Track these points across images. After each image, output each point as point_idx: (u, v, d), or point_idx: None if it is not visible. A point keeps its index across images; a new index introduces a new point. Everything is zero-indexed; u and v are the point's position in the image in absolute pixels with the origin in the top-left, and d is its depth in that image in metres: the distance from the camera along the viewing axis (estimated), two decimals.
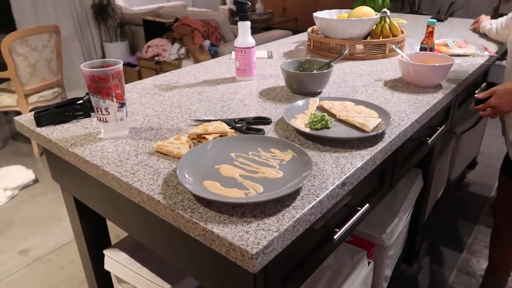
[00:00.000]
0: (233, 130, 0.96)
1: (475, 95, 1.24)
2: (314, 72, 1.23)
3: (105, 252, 1.15)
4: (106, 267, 1.16)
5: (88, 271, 1.26)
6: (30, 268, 1.93)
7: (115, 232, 1.72)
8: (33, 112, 1.03)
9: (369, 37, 1.65)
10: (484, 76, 1.75)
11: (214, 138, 0.90)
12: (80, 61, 4.10)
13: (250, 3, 1.30)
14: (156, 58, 3.49)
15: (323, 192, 0.73)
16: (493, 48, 1.71)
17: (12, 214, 2.32)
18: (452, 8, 4.58)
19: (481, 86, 1.71)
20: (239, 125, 0.99)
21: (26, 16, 3.77)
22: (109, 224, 1.18)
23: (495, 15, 4.53)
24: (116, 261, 1.12)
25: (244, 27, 1.30)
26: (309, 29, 1.79)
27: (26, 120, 1.06)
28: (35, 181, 2.63)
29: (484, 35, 1.94)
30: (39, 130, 1.00)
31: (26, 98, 2.82)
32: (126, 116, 0.96)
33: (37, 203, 2.42)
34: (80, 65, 0.91)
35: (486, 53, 1.61)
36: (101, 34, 4.27)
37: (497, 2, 4.55)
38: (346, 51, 1.37)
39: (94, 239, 1.20)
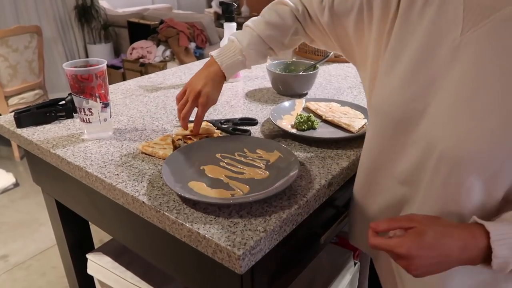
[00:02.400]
0: (219, 131, 0.96)
1: (372, 226, 0.60)
2: (300, 73, 1.23)
3: (88, 256, 1.12)
4: (89, 271, 1.14)
5: (70, 276, 1.23)
6: (10, 274, 1.87)
7: (99, 236, 1.68)
8: (13, 113, 1.00)
9: None
10: None
11: (200, 139, 0.89)
12: (62, 63, 4.00)
13: (236, 5, 1.30)
14: (141, 60, 3.46)
15: (310, 192, 0.73)
16: None
17: None
18: None
19: None
20: (225, 126, 0.98)
21: (6, 17, 3.69)
22: (93, 228, 1.15)
23: None
24: (99, 265, 1.09)
25: (230, 28, 1.29)
26: None
27: (5, 121, 1.03)
28: (16, 185, 2.57)
29: None
30: (19, 131, 0.98)
31: (7, 100, 2.75)
32: (110, 117, 0.95)
33: (17, 207, 2.36)
34: (62, 65, 0.89)
35: None
36: (84, 36, 4.21)
37: None
38: (332, 53, 1.37)
39: (77, 243, 1.17)
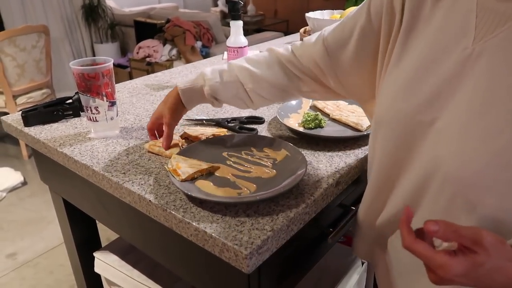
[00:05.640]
0: (226, 130, 0.95)
1: (430, 228, 0.46)
2: None
3: (95, 254, 1.12)
4: (96, 269, 1.14)
5: (77, 275, 1.24)
6: (18, 272, 1.89)
7: (106, 234, 1.69)
8: (21, 112, 1.01)
9: None
10: None
11: (206, 138, 0.89)
12: (69, 62, 4.02)
13: (242, 3, 1.29)
14: (147, 59, 3.47)
15: (317, 191, 0.72)
16: None
17: None
18: None
19: None
20: (232, 124, 0.98)
21: (14, 16, 3.72)
22: (100, 226, 1.16)
23: None
24: (106, 264, 1.09)
25: (236, 26, 1.29)
26: (301, 30, 1.79)
27: (13, 120, 1.03)
28: (24, 183, 2.59)
29: None
30: (27, 130, 0.98)
31: (15, 99, 2.77)
32: (117, 116, 0.95)
33: (25, 205, 2.38)
34: (69, 63, 0.89)
35: None
36: (91, 35, 4.23)
37: None
38: None
39: (84, 241, 1.18)
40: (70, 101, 1.05)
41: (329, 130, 0.94)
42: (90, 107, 0.90)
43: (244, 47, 1.30)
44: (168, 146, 0.84)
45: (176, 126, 0.98)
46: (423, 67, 0.58)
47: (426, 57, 0.57)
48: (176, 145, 0.86)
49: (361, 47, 0.68)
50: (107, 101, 0.90)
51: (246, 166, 0.78)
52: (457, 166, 0.52)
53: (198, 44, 3.47)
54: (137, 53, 3.54)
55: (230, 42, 1.30)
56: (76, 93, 0.99)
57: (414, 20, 0.60)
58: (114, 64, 0.91)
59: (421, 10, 0.59)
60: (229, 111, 1.08)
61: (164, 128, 0.84)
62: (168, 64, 3.36)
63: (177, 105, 0.83)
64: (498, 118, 0.50)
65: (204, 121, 1.00)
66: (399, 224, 0.51)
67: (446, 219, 0.48)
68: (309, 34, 1.74)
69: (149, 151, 0.86)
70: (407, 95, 0.59)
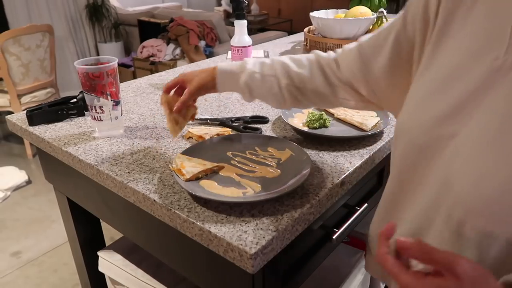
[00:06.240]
0: (230, 129, 0.95)
1: (401, 245, 0.45)
2: None
3: (99, 253, 1.13)
4: (100, 269, 1.14)
5: (82, 273, 1.24)
6: (22, 270, 1.90)
7: (110, 233, 1.69)
8: (25, 111, 1.01)
9: None
10: None
11: (211, 137, 0.89)
12: (74, 61, 4.04)
13: (246, 2, 1.29)
14: (151, 58, 3.47)
15: (322, 191, 0.72)
16: None
17: (4, 216, 2.28)
18: None
19: None
20: (236, 124, 0.98)
21: (19, 16, 3.73)
22: (104, 225, 1.16)
23: None
24: (110, 263, 1.10)
25: (241, 26, 1.28)
26: (306, 29, 1.78)
27: (18, 119, 1.04)
28: (28, 182, 2.60)
29: None
30: (31, 129, 0.98)
31: (19, 99, 2.78)
32: (121, 115, 0.95)
33: (29, 204, 2.39)
34: (74, 63, 0.89)
35: None
36: (95, 35, 4.24)
37: None
38: None
39: (88, 240, 1.18)
40: (75, 100, 1.06)
41: (334, 130, 0.94)
42: (95, 107, 0.90)
43: (248, 46, 1.30)
44: (180, 110, 0.81)
45: None
46: (448, 77, 0.54)
47: (452, 66, 0.53)
48: (191, 111, 0.85)
49: (395, 54, 0.65)
50: (111, 100, 0.90)
51: (251, 166, 0.78)
52: (470, 188, 0.47)
53: (202, 43, 3.47)
54: (141, 52, 3.54)
55: (234, 41, 1.30)
56: (81, 92, 0.99)
57: (446, 26, 0.56)
58: (118, 64, 0.91)
59: (454, 16, 0.55)
60: (233, 111, 1.08)
61: (184, 94, 0.80)
62: (171, 64, 3.36)
63: (208, 82, 0.80)
64: None
65: (208, 121, 1.00)
66: (378, 235, 0.48)
67: (453, 249, 0.45)
68: (313, 34, 1.73)
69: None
70: (429, 105, 0.55)
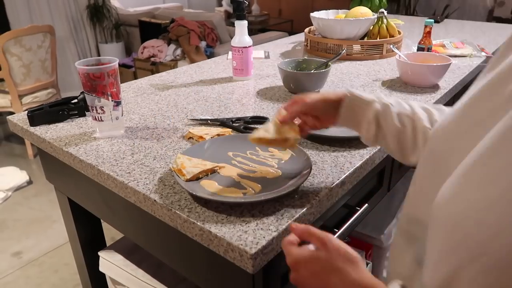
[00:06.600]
0: (231, 129, 0.95)
1: (291, 226, 0.57)
2: (312, 71, 1.22)
3: (100, 253, 1.13)
4: (101, 269, 1.14)
5: (82, 274, 1.24)
6: (23, 270, 1.90)
7: (111, 234, 1.70)
8: (26, 111, 1.01)
9: (366, 38, 1.64)
10: None
11: (211, 137, 0.89)
12: (75, 62, 4.04)
13: (247, 3, 1.29)
14: (152, 59, 3.47)
15: (322, 191, 0.72)
16: (490, 49, 1.71)
17: (5, 216, 2.29)
18: (447, 11, 4.60)
19: None
20: (237, 124, 0.98)
21: (20, 16, 3.74)
22: (105, 225, 1.16)
23: (490, 18, 4.56)
24: (111, 263, 1.10)
25: (241, 26, 1.29)
26: (306, 30, 1.78)
27: (19, 119, 1.04)
28: (29, 182, 2.60)
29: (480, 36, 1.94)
30: (32, 129, 0.99)
31: (20, 99, 2.79)
32: (122, 115, 0.95)
33: (30, 204, 2.39)
34: (75, 63, 0.89)
35: (483, 53, 1.61)
36: (96, 35, 4.25)
37: (491, 5, 4.58)
38: (344, 51, 1.36)
39: (89, 240, 1.18)
40: (76, 101, 1.06)
41: (334, 130, 0.94)
42: (96, 107, 0.90)
43: (249, 47, 1.30)
44: (285, 121, 0.71)
45: (181, 126, 0.99)
46: (477, 93, 0.49)
47: (485, 85, 0.49)
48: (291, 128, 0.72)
49: None
50: (112, 100, 0.90)
51: (251, 166, 0.78)
52: (445, 215, 0.43)
53: (203, 44, 3.47)
54: (142, 53, 3.55)
55: (235, 42, 1.30)
56: (82, 93, 0.99)
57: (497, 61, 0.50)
58: (118, 64, 0.92)
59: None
60: (233, 111, 1.08)
61: (297, 103, 0.70)
62: (172, 64, 3.36)
63: (331, 105, 0.69)
64: (488, 170, 0.41)
65: (209, 121, 1.00)
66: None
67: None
68: (314, 34, 1.73)
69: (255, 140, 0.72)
70: (453, 118, 0.51)
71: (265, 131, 0.71)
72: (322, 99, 0.70)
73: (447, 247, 0.41)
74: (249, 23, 1.34)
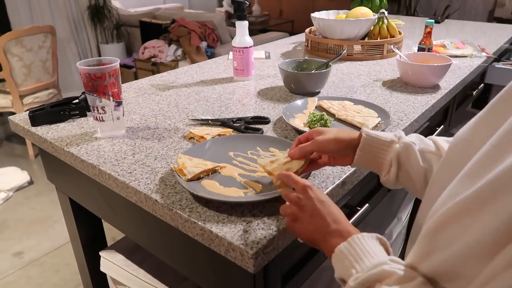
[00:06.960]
0: (231, 130, 0.95)
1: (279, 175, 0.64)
2: (313, 71, 1.22)
3: (101, 253, 1.13)
4: (102, 269, 1.15)
5: (83, 273, 1.24)
6: (24, 270, 1.90)
7: (112, 234, 1.70)
8: (27, 112, 1.01)
9: (366, 38, 1.64)
10: (482, 77, 1.76)
11: (212, 137, 0.89)
12: (76, 62, 4.03)
13: (247, 3, 1.29)
14: (153, 59, 3.47)
15: (323, 191, 0.72)
16: (490, 49, 1.71)
17: (6, 216, 2.29)
18: (447, 11, 4.60)
19: (479, 87, 1.71)
20: (237, 124, 0.98)
21: (21, 17, 3.74)
22: (106, 225, 1.16)
23: (490, 18, 4.56)
24: (112, 263, 1.10)
25: (242, 26, 1.29)
26: (307, 30, 1.79)
27: (21, 119, 1.04)
28: (30, 182, 2.60)
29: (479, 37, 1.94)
30: (34, 129, 0.99)
31: (21, 99, 2.79)
32: (123, 115, 0.95)
33: (31, 205, 2.39)
34: (76, 63, 0.90)
35: (484, 54, 1.61)
36: (97, 36, 4.25)
37: (492, 6, 4.58)
38: (345, 51, 1.36)
39: (90, 240, 1.18)
40: (77, 101, 1.06)
41: None
42: (97, 107, 0.90)
43: (250, 47, 1.30)
44: (294, 157, 0.68)
45: (182, 126, 0.99)
46: (496, 103, 0.48)
47: (503, 96, 0.48)
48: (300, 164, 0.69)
49: None
50: (113, 101, 0.91)
51: (252, 166, 0.78)
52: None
53: (203, 44, 3.48)
54: (143, 53, 3.55)
55: (236, 42, 1.30)
56: (83, 93, 1.00)
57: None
58: (119, 64, 0.92)
59: None
60: (234, 111, 1.08)
61: (308, 142, 0.68)
62: (173, 65, 3.36)
63: (345, 146, 0.66)
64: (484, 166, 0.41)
65: (209, 121, 1.00)
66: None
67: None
68: (315, 35, 1.74)
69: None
70: (473, 125, 0.51)
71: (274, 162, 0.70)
72: (335, 139, 0.66)
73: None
74: (249, 24, 1.34)
